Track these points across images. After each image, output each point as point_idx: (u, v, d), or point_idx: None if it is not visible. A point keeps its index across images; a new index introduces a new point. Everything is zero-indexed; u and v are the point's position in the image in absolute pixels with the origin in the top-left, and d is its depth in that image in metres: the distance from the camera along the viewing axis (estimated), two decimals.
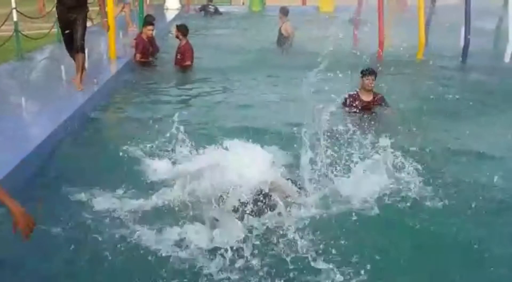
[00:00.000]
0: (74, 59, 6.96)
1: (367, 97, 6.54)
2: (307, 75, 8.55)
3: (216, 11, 18.67)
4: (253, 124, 5.91)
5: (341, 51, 10.89)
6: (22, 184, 4.20)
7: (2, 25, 8.58)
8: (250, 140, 4.17)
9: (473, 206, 3.88)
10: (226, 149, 4.05)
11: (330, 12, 19.16)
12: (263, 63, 9.81)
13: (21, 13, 9.01)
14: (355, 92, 6.54)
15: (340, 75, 8.30)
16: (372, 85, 6.49)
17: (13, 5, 8.77)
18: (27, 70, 8.07)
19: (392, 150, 4.39)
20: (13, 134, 5.13)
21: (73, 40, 6.82)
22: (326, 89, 7.62)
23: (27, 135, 5.16)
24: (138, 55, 9.38)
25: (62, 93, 6.81)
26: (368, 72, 6.48)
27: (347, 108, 6.41)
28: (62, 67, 7.73)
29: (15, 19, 8.82)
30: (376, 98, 6.59)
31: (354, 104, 6.31)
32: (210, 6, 18.84)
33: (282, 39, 11.57)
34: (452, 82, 8.68)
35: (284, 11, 11.82)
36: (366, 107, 6.48)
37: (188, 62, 9.20)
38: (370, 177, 4.18)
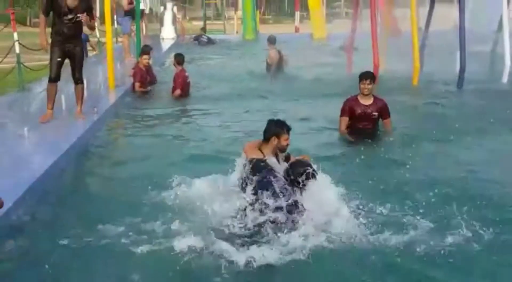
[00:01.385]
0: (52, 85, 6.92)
1: (366, 101, 6.49)
2: (298, 102, 8.91)
3: (209, 41, 19.20)
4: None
5: (333, 77, 11.28)
6: (26, 213, 4.31)
7: (4, 57, 8.88)
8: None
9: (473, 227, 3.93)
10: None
11: (323, 39, 19.64)
12: (255, 91, 10.05)
13: (23, 46, 9.30)
14: (354, 97, 6.55)
15: (331, 101, 8.63)
16: (369, 89, 6.40)
17: (16, 37, 9.06)
18: (28, 101, 8.29)
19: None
20: (16, 163, 5.26)
21: (60, 67, 6.82)
22: (316, 115, 7.91)
23: (30, 165, 5.28)
24: (137, 84, 9.65)
25: (64, 122, 7.00)
26: (363, 76, 6.43)
27: (343, 131, 6.47)
28: (62, 96, 7.98)
29: (17, 51, 9.11)
30: (377, 102, 6.51)
31: (354, 109, 6.38)
32: (203, 36, 19.41)
33: (268, 67, 11.93)
34: (449, 107, 8.74)
35: (271, 39, 12.19)
36: (367, 113, 6.46)
37: (178, 91, 9.32)
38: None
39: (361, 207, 4.32)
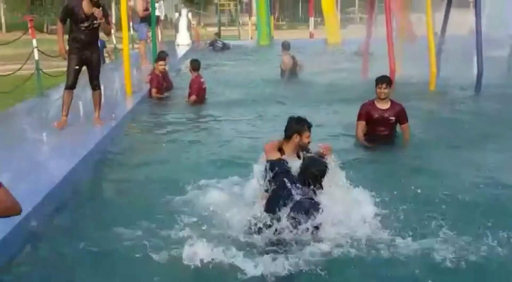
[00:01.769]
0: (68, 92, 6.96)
1: (383, 105, 6.43)
2: (313, 107, 8.90)
3: (224, 46, 19.31)
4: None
5: (348, 82, 11.26)
6: (44, 218, 4.35)
7: (24, 64, 9.02)
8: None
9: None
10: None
11: (337, 44, 19.60)
12: (270, 96, 10.07)
13: (42, 52, 9.42)
14: (371, 101, 6.51)
15: (346, 106, 8.61)
16: (386, 93, 6.34)
17: (35, 44, 9.19)
18: (47, 107, 8.39)
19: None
20: (35, 169, 5.31)
21: (77, 75, 6.88)
22: (332, 120, 7.88)
23: (49, 170, 5.33)
24: (153, 91, 9.72)
25: (81, 128, 7.07)
26: (379, 80, 6.38)
27: (360, 136, 6.42)
28: (80, 103, 8.08)
29: (36, 57, 9.24)
30: (394, 107, 6.44)
31: (371, 113, 6.34)
32: (218, 42, 19.51)
33: (282, 72, 11.95)
34: (467, 112, 8.64)
35: (285, 45, 12.22)
36: (384, 117, 6.41)
37: (193, 97, 9.37)
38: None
39: (379, 213, 4.27)
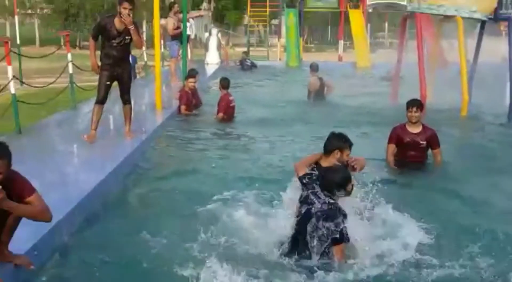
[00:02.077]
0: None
1: (414, 129, 6.38)
2: (341, 129, 8.86)
3: (252, 65, 19.56)
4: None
5: (377, 106, 11.19)
6: (74, 228, 4.43)
7: (58, 77, 9.23)
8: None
9: None
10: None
11: (367, 68, 19.55)
12: (297, 116, 10.10)
13: (76, 66, 9.62)
14: (402, 125, 6.46)
15: (374, 129, 8.56)
16: (417, 117, 6.29)
17: (69, 58, 9.40)
18: (80, 120, 8.54)
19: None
20: (66, 180, 5.41)
21: (108, 90, 7.00)
22: (360, 142, 7.80)
23: (79, 182, 5.40)
24: (182, 107, 9.82)
25: (112, 142, 7.18)
26: (410, 103, 6.34)
27: (390, 159, 6.36)
28: (111, 116, 8.20)
29: (70, 71, 9.45)
30: (426, 131, 6.38)
31: (401, 137, 6.29)
32: (247, 60, 19.75)
33: (308, 93, 12.01)
34: (499, 139, 8.52)
35: (313, 67, 12.23)
36: (415, 141, 6.35)
37: (220, 114, 9.46)
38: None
39: (409, 236, 4.21)
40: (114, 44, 6.81)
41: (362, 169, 4.65)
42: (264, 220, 4.57)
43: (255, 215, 4.71)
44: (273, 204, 4.93)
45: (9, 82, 7.39)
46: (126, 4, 6.59)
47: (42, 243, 3.85)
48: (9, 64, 7.30)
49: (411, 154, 6.42)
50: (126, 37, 6.80)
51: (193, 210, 4.85)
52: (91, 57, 7.01)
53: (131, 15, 6.64)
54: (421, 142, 6.38)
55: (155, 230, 4.38)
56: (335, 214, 3.83)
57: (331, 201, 3.90)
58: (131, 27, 6.67)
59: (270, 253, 3.98)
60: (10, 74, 7.31)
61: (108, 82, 6.97)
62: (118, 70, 6.96)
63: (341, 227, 3.76)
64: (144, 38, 16.08)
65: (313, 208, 3.90)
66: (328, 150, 4.39)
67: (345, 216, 3.84)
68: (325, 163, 4.35)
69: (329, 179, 3.97)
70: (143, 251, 4.04)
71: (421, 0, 10.47)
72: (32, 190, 3.37)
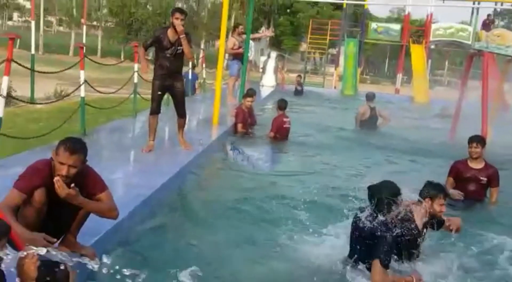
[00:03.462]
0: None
1: (476, 165, 6.32)
2: (399, 161, 8.79)
3: (302, 90, 19.74)
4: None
5: (434, 141, 11.01)
6: (131, 233, 4.52)
7: (121, 87, 9.58)
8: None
9: None
10: None
11: (425, 104, 19.27)
12: (347, 142, 10.25)
13: (140, 77, 9.95)
14: (464, 160, 6.40)
15: (431, 162, 8.43)
16: (478, 152, 6.24)
17: (135, 68, 9.74)
18: (139, 127, 8.78)
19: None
20: (125, 185, 5.46)
21: (161, 100, 7.15)
22: (415, 178, 7.70)
23: (138, 188, 5.43)
24: (239, 125, 9.94)
25: (171, 150, 7.34)
26: (472, 139, 6.33)
27: (451, 190, 6.20)
28: (167, 129, 8.39)
29: (135, 81, 9.78)
30: (488, 168, 6.32)
31: (462, 171, 6.23)
32: (299, 85, 20.00)
33: (355, 121, 12.01)
34: None
35: (369, 96, 12.11)
36: (476, 177, 6.27)
37: (271, 133, 9.68)
38: None
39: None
40: (168, 55, 6.96)
41: (459, 231, 4.49)
42: (325, 251, 4.50)
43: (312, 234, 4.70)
44: (332, 224, 4.92)
45: (80, 85, 7.72)
46: (177, 15, 6.81)
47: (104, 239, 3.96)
48: (82, 68, 7.64)
49: (471, 189, 6.29)
50: (179, 48, 6.93)
51: (241, 222, 4.92)
52: (142, 60, 7.26)
53: (183, 25, 6.84)
54: (482, 178, 6.29)
55: (212, 236, 4.49)
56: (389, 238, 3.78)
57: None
58: (182, 36, 6.83)
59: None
60: (82, 78, 7.64)
61: (159, 93, 7.09)
62: (169, 81, 7.05)
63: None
64: (202, 56, 16.49)
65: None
66: (419, 199, 4.20)
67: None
68: (416, 211, 4.13)
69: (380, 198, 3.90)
70: (195, 257, 4.13)
71: (490, 39, 10.31)
72: (104, 187, 3.50)
